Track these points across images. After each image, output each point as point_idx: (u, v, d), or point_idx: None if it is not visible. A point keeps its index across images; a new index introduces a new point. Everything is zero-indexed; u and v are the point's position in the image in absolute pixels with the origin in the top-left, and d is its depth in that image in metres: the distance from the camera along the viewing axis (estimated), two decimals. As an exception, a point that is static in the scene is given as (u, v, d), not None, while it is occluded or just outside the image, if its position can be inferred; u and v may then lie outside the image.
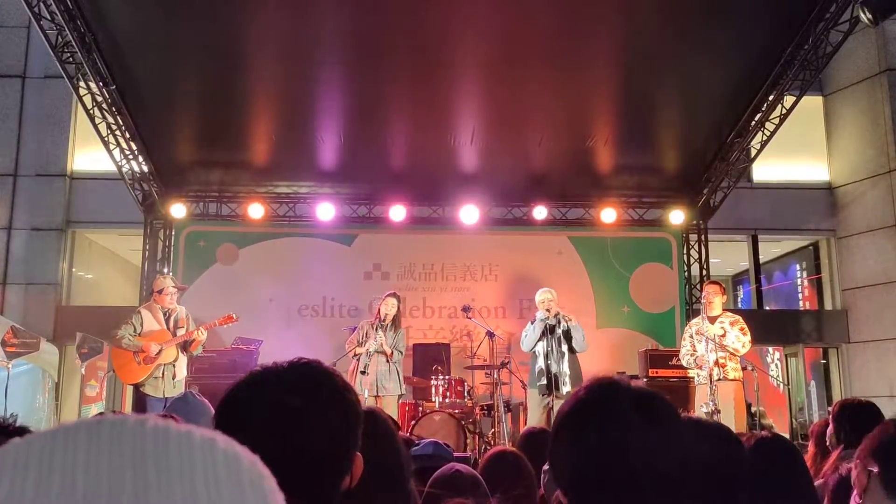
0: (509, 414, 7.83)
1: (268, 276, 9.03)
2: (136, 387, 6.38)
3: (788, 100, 8.19)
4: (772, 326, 10.50)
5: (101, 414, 0.62)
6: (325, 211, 9.21)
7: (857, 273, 10.61)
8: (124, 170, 8.58)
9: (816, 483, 2.47)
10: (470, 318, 7.93)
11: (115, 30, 7.23)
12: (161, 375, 6.30)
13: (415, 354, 8.39)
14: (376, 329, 6.87)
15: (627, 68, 7.79)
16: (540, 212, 9.31)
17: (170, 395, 5.99)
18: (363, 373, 6.67)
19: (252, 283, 8.96)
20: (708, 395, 6.30)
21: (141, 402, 6.31)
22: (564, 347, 6.82)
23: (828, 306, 11.03)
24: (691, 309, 9.28)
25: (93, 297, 10.71)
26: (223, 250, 9.20)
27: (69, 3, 6.84)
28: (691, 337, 6.75)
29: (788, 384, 11.11)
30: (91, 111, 7.93)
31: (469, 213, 9.25)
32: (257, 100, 8.27)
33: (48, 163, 10.18)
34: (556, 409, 6.29)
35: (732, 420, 6.20)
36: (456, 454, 2.97)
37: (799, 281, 11.94)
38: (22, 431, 1.76)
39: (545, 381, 6.72)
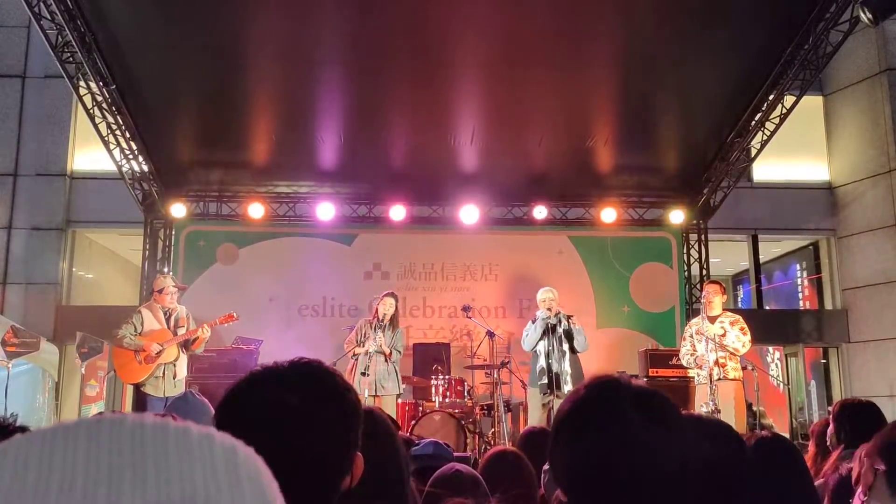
0: (509, 414, 7.83)
1: (268, 275, 9.03)
2: (137, 386, 6.38)
3: (788, 99, 8.20)
4: (772, 326, 10.50)
5: (100, 413, 0.62)
6: (326, 211, 9.21)
7: (857, 273, 10.61)
8: (124, 169, 8.58)
9: (817, 483, 2.47)
10: (470, 318, 7.93)
11: (115, 30, 7.23)
12: (162, 375, 6.30)
13: (415, 354, 8.39)
14: (375, 329, 6.87)
15: (627, 68, 7.79)
16: (540, 211, 9.31)
17: (170, 395, 5.99)
18: (364, 374, 6.67)
19: (252, 282, 8.96)
20: (708, 395, 6.30)
21: (141, 402, 6.31)
22: (566, 346, 6.82)
23: (828, 306, 11.03)
24: (691, 309, 9.28)
25: (93, 297, 10.72)
26: (223, 250, 9.20)
27: (69, 2, 6.84)
28: (691, 337, 6.75)
29: (788, 384, 11.11)
30: (91, 111, 7.93)
31: (469, 213, 9.25)
32: (257, 100, 8.27)
33: (48, 162, 10.18)
34: (556, 408, 6.28)
35: (733, 420, 6.20)
36: (456, 454, 2.97)
37: (799, 280, 11.94)
38: (22, 431, 1.76)
39: (546, 380, 6.73)
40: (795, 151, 10.78)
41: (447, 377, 7.27)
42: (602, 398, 1.12)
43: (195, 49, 7.35)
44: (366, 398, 6.44)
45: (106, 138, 8.15)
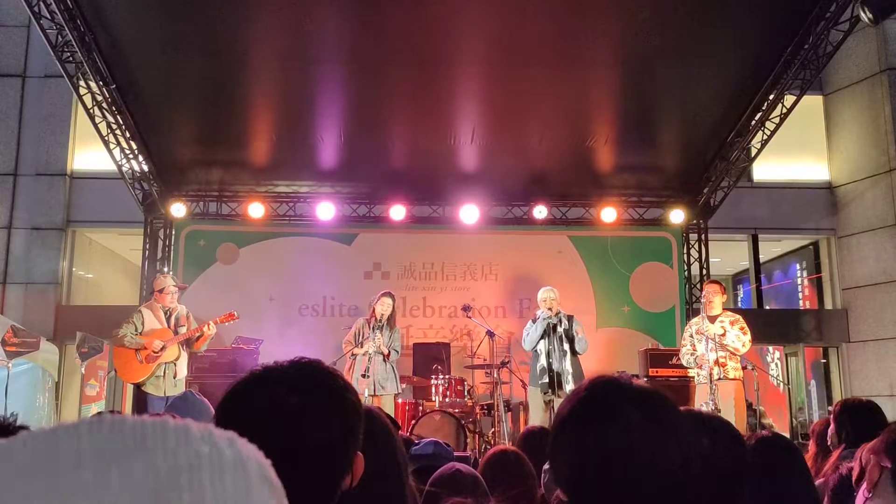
0: (509, 413, 7.83)
1: (268, 275, 9.03)
2: (137, 386, 6.38)
3: (789, 99, 8.20)
4: (772, 326, 10.50)
5: (99, 413, 0.62)
6: (326, 210, 9.21)
7: (857, 272, 10.61)
8: (124, 169, 8.58)
9: (817, 482, 2.47)
10: (470, 318, 7.93)
11: (115, 29, 7.23)
12: (163, 374, 6.30)
13: (415, 354, 8.39)
14: (373, 329, 6.88)
15: (627, 68, 7.79)
16: (540, 211, 9.31)
17: (171, 394, 5.99)
18: (364, 376, 6.67)
19: (252, 282, 8.96)
20: (708, 395, 6.30)
21: (142, 401, 6.31)
22: (566, 346, 6.83)
23: (828, 305, 11.03)
24: (691, 308, 9.28)
25: (93, 297, 10.72)
26: (223, 250, 9.19)
27: (69, 2, 6.84)
28: (691, 336, 6.75)
29: (788, 383, 11.11)
30: (91, 110, 7.93)
31: (469, 213, 9.25)
32: (257, 99, 8.27)
33: (48, 162, 10.18)
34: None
35: (733, 419, 6.19)
36: (456, 453, 2.97)
37: (799, 280, 11.94)
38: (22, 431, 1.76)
39: (547, 380, 6.73)
40: (795, 151, 10.78)
41: (447, 377, 7.27)
42: (602, 398, 1.12)
43: (195, 49, 7.35)
44: (365, 398, 6.44)
45: (106, 138, 8.15)
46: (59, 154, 10.22)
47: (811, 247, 11.48)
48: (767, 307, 11.59)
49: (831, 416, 3.33)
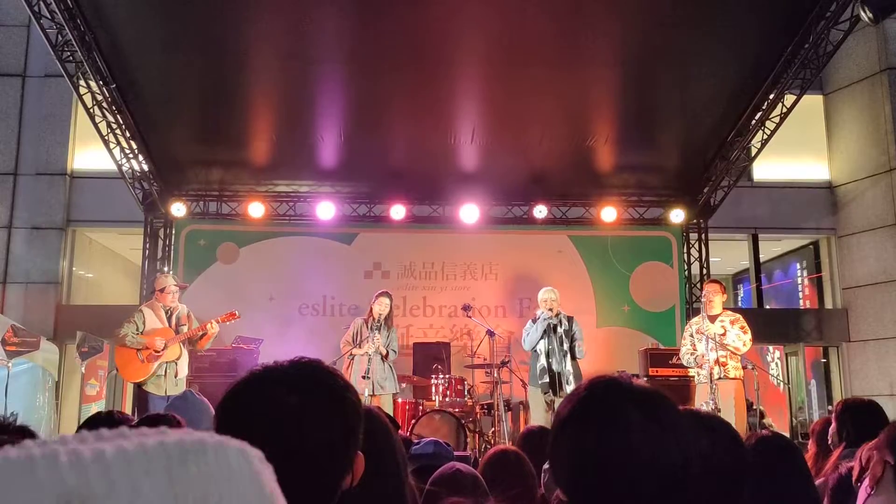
0: (509, 413, 7.83)
1: (268, 275, 9.03)
2: (138, 385, 6.38)
3: (789, 98, 8.19)
4: (772, 325, 10.50)
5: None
6: (326, 210, 9.21)
7: (857, 272, 10.61)
8: (124, 168, 8.58)
9: (817, 482, 2.47)
10: (470, 317, 7.93)
11: (115, 29, 7.23)
12: (164, 373, 6.30)
13: (415, 353, 8.39)
14: (371, 329, 6.88)
15: (627, 67, 7.79)
16: (540, 211, 9.31)
17: (172, 393, 5.98)
18: (365, 378, 6.68)
19: (252, 282, 8.96)
20: (708, 394, 6.30)
21: (142, 400, 6.31)
22: (566, 346, 6.83)
23: (828, 305, 11.03)
24: (691, 308, 9.28)
25: (93, 296, 10.72)
26: (223, 249, 9.19)
27: (69, 2, 6.84)
28: (691, 336, 6.75)
29: (789, 383, 11.11)
30: (91, 110, 7.93)
31: (469, 212, 9.25)
32: (257, 98, 8.27)
33: (48, 161, 10.18)
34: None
35: (733, 419, 6.19)
36: (456, 453, 2.97)
37: (799, 280, 11.94)
38: (22, 430, 1.76)
39: (548, 379, 6.73)
40: (796, 150, 10.77)
41: (447, 376, 7.27)
42: (602, 398, 1.12)
43: (195, 48, 7.34)
44: (365, 398, 6.45)
45: (106, 137, 8.15)
46: (59, 153, 10.22)
47: (811, 246, 11.48)
48: (767, 307, 11.59)
49: (833, 415, 3.34)
